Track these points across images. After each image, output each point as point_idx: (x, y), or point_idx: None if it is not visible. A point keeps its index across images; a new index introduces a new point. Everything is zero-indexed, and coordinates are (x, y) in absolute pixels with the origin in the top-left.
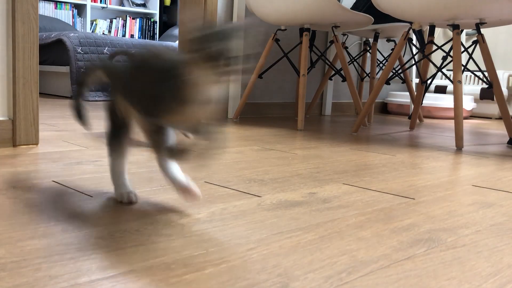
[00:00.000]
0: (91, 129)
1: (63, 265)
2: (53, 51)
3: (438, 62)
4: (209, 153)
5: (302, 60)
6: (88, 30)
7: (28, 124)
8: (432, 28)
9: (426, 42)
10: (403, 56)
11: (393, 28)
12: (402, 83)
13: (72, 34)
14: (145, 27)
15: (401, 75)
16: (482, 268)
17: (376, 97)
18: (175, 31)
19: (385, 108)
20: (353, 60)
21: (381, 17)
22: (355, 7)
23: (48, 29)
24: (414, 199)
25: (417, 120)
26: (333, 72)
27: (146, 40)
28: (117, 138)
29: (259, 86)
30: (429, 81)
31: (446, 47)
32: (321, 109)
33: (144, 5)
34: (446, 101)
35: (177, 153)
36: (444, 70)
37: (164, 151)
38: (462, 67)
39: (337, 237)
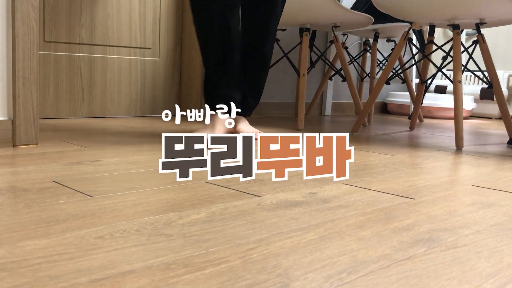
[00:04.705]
0: None
1: (63, 265)
2: None
3: (438, 62)
4: None
5: (302, 60)
6: None
7: (28, 124)
8: (432, 28)
9: (426, 42)
10: (403, 56)
11: (393, 28)
12: (402, 83)
13: None
14: None
15: (401, 75)
16: (482, 268)
17: (376, 97)
18: None
19: (385, 108)
20: (353, 60)
21: (381, 17)
22: (355, 7)
23: None
24: (414, 199)
25: (417, 120)
26: (333, 72)
27: None
28: None
29: None
30: (429, 81)
31: (446, 47)
32: (321, 109)
33: None
34: (446, 101)
35: None
36: (444, 70)
37: None
38: (462, 67)
39: (337, 237)
